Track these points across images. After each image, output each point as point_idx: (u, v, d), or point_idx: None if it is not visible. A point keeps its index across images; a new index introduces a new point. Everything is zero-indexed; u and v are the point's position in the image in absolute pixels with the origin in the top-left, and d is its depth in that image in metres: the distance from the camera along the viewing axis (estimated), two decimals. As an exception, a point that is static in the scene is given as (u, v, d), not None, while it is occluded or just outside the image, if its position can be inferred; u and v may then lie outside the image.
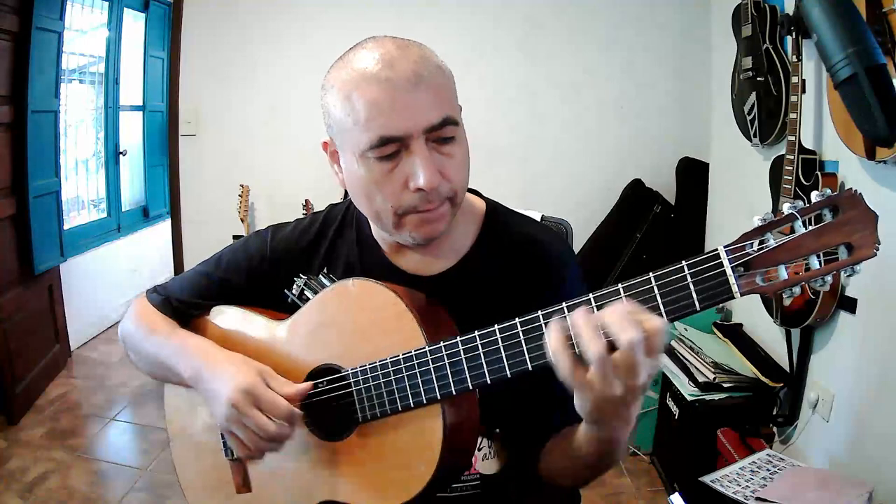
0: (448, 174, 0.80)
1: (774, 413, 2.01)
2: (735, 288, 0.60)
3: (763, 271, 0.60)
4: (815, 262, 0.59)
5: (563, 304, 0.66)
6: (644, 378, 0.61)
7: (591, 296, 0.65)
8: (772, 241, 0.59)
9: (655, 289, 0.63)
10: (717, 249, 0.61)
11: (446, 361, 0.74)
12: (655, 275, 0.63)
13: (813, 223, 0.60)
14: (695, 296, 0.61)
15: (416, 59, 0.78)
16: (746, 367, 2.07)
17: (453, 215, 0.85)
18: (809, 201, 0.60)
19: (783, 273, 0.60)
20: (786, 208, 0.60)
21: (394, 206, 0.81)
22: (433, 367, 0.75)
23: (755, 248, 0.60)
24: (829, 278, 0.59)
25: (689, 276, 0.61)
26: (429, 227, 0.83)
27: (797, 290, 0.60)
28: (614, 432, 0.71)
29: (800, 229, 0.59)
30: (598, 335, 0.61)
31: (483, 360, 0.72)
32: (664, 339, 0.61)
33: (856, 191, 0.59)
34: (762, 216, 0.60)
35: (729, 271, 0.60)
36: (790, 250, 0.59)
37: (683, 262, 0.62)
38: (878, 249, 0.58)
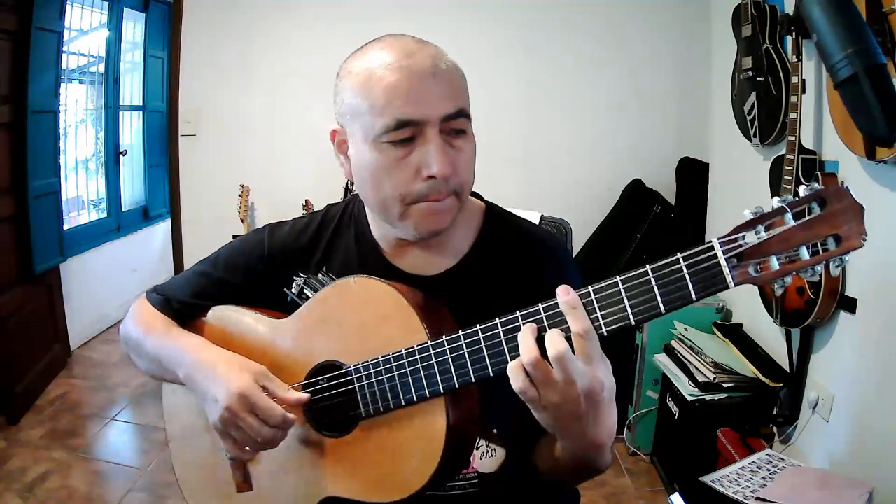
0: (458, 167, 0.82)
1: (774, 413, 2.01)
2: (729, 278, 0.62)
3: (755, 262, 0.62)
4: (805, 254, 0.61)
5: (560, 298, 0.68)
6: (579, 384, 0.67)
7: (590, 288, 0.68)
8: (764, 233, 0.61)
9: (653, 280, 0.65)
10: (711, 241, 0.63)
11: (449, 355, 0.74)
12: (652, 267, 0.65)
13: (804, 216, 0.61)
14: (691, 287, 0.63)
15: (433, 54, 0.82)
16: (746, 367, 2.07)
17: (458, 210, 0.85)
18: (799, 195, 0.61)
19: (775, 264, 0.61)
20: (775, 202, 0.62)
21: (402, 194, 0.81)
22: (436, 362, 0.75)
23: (747, 240, 0.62)
24: (819, 268, 0.61)
25: (684, 268, 0.63)
26: (434, 218, 0.83)
27: (789, 280, 0.62)
28: (579, 442, 0.74)
29: (790, 222, 0.61)
30: (531, 348, 0.67)
31: (485, 353, 0.72)
32: (590, 345, 0.66)
33: (843, 184, 0.60)
34: (753, 210, 0.62)
35: (723, 262, 0.62)
36: (781, 242, 0.61)
37: (679, 255, 0.64)
38: (865, 240, 0.59)
